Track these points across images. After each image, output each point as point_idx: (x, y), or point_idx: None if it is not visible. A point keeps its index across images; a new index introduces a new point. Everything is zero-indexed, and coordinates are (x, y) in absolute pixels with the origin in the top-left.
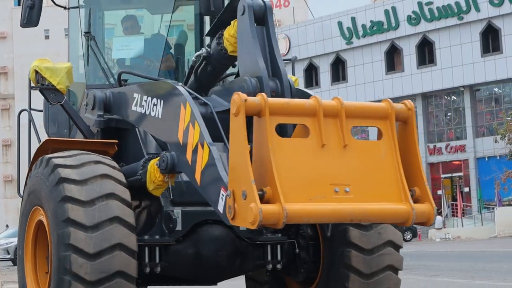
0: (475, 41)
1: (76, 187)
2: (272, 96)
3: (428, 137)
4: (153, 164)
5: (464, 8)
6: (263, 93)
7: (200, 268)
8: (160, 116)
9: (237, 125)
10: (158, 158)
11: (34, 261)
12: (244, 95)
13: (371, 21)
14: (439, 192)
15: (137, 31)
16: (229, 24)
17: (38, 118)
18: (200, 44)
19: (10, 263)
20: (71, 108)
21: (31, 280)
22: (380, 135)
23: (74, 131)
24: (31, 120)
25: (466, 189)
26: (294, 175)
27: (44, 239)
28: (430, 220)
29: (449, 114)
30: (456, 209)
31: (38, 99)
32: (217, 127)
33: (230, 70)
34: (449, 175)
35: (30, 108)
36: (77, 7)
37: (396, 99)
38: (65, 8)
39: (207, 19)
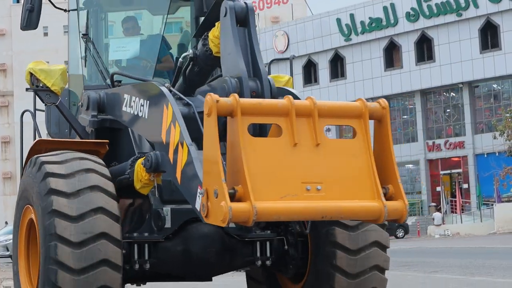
0: (474, 37)
1: (61, 180)
2: (252, 96)
3: (427, 133)
4: (139, 163)
5: (463, 5)
6: (235, 94)
7: (189, 265)
8: (146, 117)
9: (209, 125)
10: (144, 157)
11: (27, 259)
12: (216, 96)
13: (369, 18)
14: (438, 188)
15: (137, 32)
16: (215, 25)
17: (41, 117)
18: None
19: (9, 259)
20: (66, 109)
21: (24, 278)
22: (354, 133)
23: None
24: (33, 120)
25: (465, 186)
26: (265, 173)
27: (36, 237)
28: (403, 217)
29: (448, 110)
30: (455, 205)
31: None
32: (199, 126)
33: None
34: (448, 171)
35: (35, 108)
36: (75, 10)
37: (395, 96)
38: (65, 10)
39: None
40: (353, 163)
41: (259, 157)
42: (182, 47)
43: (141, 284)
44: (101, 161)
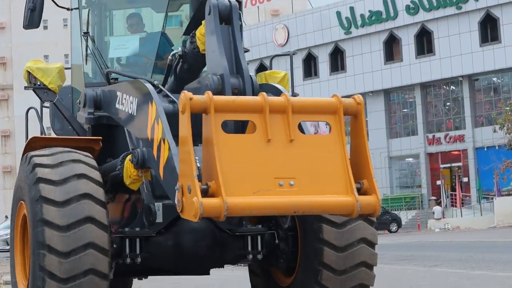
0: (474, 30)
1: (48, 169)
2: (234, 93)
3: (427, 127)
4: (128, 159)
5: None
6: (209, 92)
7: (180, 259)
8: (135, 114)
9: (183, 122)
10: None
11: (23, 254)
12: (190, 94)
13: (369, 11)
14: (438, 182)
15: (141, 28)
16: (201, 23)
17: (45, 115)
18: None
19: (9, 254)
20: (63, 107)
21: (20, 272)
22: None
23: None
24: (38, 117)
25: (465, 179)
26: (238, 169)
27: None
28: (376, 211)
29: (447, 104)
30: (455, 199)
31: None
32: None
33: None
34: (448, 165)
35: (41, 106)
36: (77, 8)
37: (394, 89)
38: (68, 9)
39: None
40: (327, 159)
41: (232, 153)
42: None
43: (143, 278)
44: (94, 163)
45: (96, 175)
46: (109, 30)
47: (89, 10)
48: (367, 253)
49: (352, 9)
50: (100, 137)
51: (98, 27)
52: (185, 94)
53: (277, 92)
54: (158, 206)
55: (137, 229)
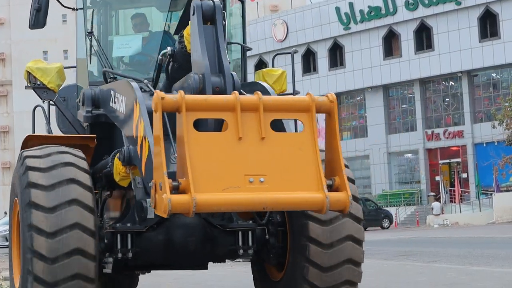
0: (473, 26)
1: (39, 174)
2: (215, 92)
3: (426, 122)
4: (117, 157)
5: None
6: (181, 91)
7: (171, 254)
8: (124, 112)
9: (156, 121)
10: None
11: (19, 250)
12: (161, 93)
13: (368, 7)
14: (437, 178)
15: (146, 28)
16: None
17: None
18: None
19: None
20: (63, 105)
21: (17, 268)
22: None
23: None
24: (44, 115)
25: (464, 175)
26: (209, 167)
27: None
28: (346, 208)
29: (447, 99)
30: (454, 195)
31: None
32: (165, 122)
33: None
34: (447, 161)
35: (49, 104)
36: (82, 9)
37: (394, 85)
38: (73, 9)
39: None
40: (298, 156)
41: (203, 151)
42: None
43: (146, 272)
44: (81, 154)
45: (86, 178)
46: (114, 30)
47: (93, 10)
48: (353, 250)
49: (351, 4)
50: (95, 135)
51: (102, 27)
52: (157, 93)
53: (265, 91)
54: (150, 202)
55: (129, 224)
